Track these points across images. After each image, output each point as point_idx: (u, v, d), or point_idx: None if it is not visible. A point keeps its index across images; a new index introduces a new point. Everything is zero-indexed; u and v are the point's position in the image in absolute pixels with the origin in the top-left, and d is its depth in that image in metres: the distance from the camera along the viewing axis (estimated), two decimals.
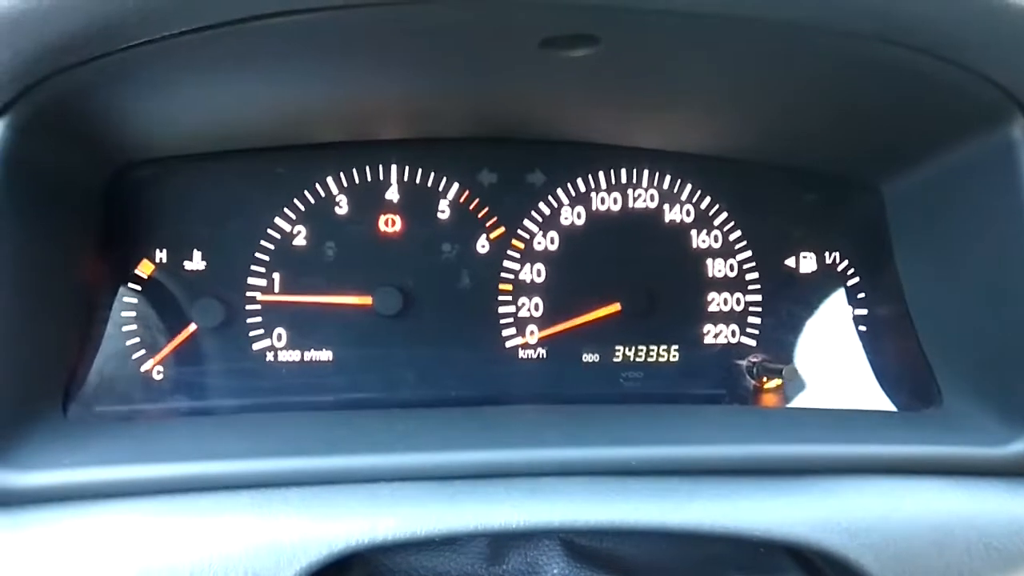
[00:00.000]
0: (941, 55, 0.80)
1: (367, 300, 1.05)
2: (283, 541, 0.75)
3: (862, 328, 1.11)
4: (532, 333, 1.09)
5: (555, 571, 0.87)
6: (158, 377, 1.03)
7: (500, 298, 1.09)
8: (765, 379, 1.06)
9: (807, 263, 1.13)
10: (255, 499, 0.79)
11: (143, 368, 1.03)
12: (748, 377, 1.07)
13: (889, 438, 0.89)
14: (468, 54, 0.77)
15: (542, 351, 1.09)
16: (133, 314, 1.03)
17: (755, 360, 1.08)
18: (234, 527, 0.77)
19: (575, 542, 0.90)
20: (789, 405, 1.07)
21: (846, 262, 1.13)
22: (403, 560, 0.86)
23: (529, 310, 1.10)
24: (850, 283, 1.12)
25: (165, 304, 1.04)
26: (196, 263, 1.05)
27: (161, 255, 1.04)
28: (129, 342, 1.03)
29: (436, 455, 0.83)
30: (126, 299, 1.03)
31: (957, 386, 0.97)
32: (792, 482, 0.85)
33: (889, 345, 1.08)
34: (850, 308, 1.11)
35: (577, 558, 0.89)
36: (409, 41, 0.73)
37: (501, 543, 0.89)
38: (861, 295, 1.12)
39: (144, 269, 1.04)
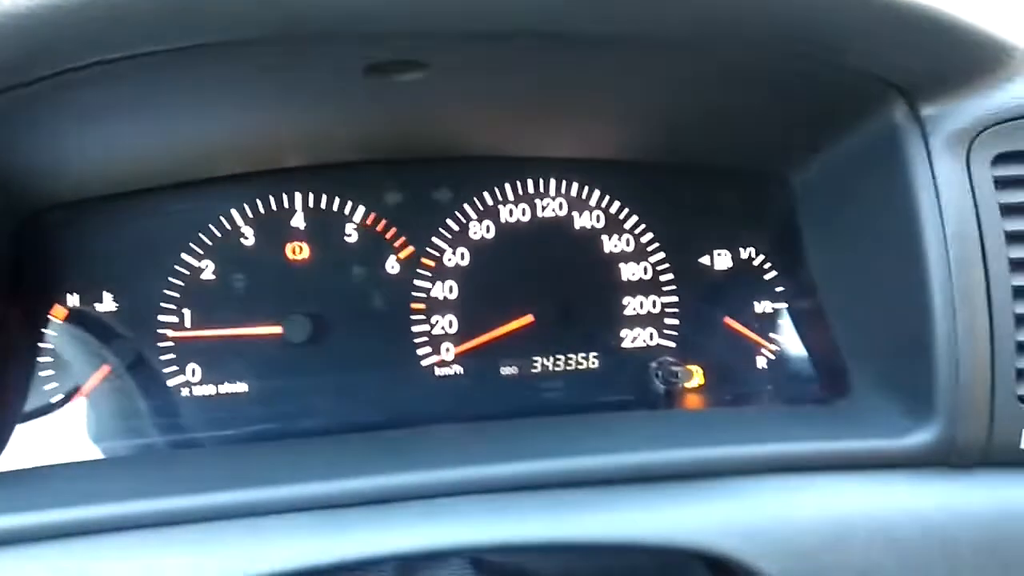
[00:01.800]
0: (821, 57, 0.80)
1: (277, 330, 1.06)
2: None
3: (779, 322, 1.10)
4: (448, 350, 1.09)
5: None
6: (78, 418, 1.04)
7: (413, 317, 1.09)
8: (678, 382, 1.05)
9: (722, 260, 1.11)
10: (143, 539, 0.79)
11: (63, 410, 1.04)
12: (661, 380, 1.06)
13: (791, 435, 0.88)
14: (301, 87, 0.77)
15: (459, 368, 1.09)
16: (48, 359, 1.04)
17: (666, 363, 1.07)
18: (120, 570, 0.77)
19: (484, 560, 0.90)
20: (701, 406, 1.06)
21: (762, 257, 1.11)
22: None
23: (443, 327, 1.09)
24: (767, 277, 1.11)
25: (79, 347, 1.05)
26: (107, 304, 1.06)
27: (73, 299, 1.05)
28: (45, 387, 1.04)
29: (329, 483, 0.83)
30: (40, 344, 1.04)
31: (866, 378, 0.96)
32: (691, 487, 0.85)
33: (804, 339, 1.07)
34: (767, 303, 1.10)
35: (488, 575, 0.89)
36: (247, 77, 0.73)
37: (408, 567, 0.89)
38: (778, 289, 1.11)
39: (57, 314, 1.05)
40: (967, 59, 0.81)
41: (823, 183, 1.02)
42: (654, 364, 1.07)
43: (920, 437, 0.84)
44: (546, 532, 0.81)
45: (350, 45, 0.65)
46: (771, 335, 1.09)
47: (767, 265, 1.11)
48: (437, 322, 1.09)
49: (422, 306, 1.09)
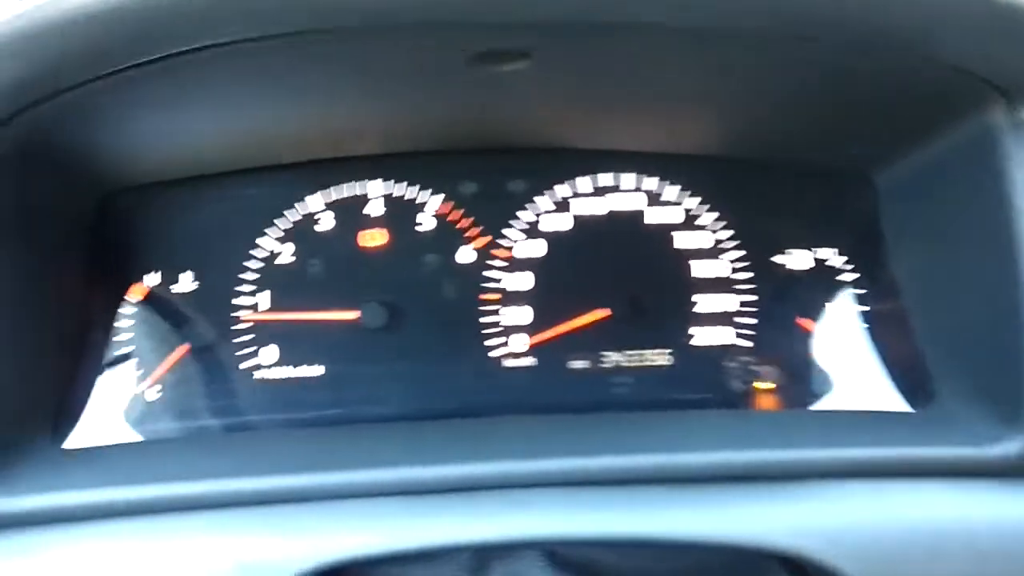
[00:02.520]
0: (919, 54, 0.77)
1: (354, 315, 1.06)
2: (256, 560, 0.77)
3: (859, 325, 1.07)
4: (518, 342, 1.09)
5: None
6: (152, 398, 1.06)
7: (484, 308, 1.08)
8: (753, 382, 1.03)
9: (802, 260, 1.09)
10: (218, 520, 0.80)
11: (138, 389, 1.05)
12: (736, 380, 1.04)
13: (877, 440, 0.86)
14: (403, 75, 0.77)
15: (529, 360, 1.09)
16: (128, 336, 1.06)
17: (742, 362, 1.05)
18: (207, 547, 0.78)
19: (559, 552, 0.89)
20: (780, 408, 1.04)
21: (843, 258, 1.09)
22: (383, 574, 0.87)
23: (514, 319, 1.09)
24: (847, 279, 1.08)
25: (157, 326, 1.07)
26: (185, 285, 1.07)
27: (151, 279, 1.07)
28: (124, 365, 1.05)
29: (404, 469, 0.83)
30: (119, 323, 1.06)
31: (952, 384, 0.93)
32: (774, 488, 0.83)
33: (886, 342, 1.04)
34: (847, 305, 1.08)
35: (561, 568, 0.88)
36: (339, 67, 0.73)
37: (484, 555, 0.89)
38: (859, 291, 1.08)
39: (136, 293, 1.07)
40: None
41: (911, 184, 0.99)
42: (732, 363, 1.05)
43: (1010, 446, 0.82)
44: (628, 528, 0.80)
45: (455, 35, 0.64)
46: (851, 338, 1.07)
47: (848, 266, 1.09)
48: (508, 313, 1.09)
49: (494, 296, 1.09)
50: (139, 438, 1.01)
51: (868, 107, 0.93)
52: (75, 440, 0.97)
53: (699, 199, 1.10)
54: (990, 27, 0.74)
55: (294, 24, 0.67)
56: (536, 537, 0.82)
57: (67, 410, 0.98)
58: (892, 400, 1.00)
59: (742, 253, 1.09)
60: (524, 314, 1.09)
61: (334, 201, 1.09)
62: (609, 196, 1.10)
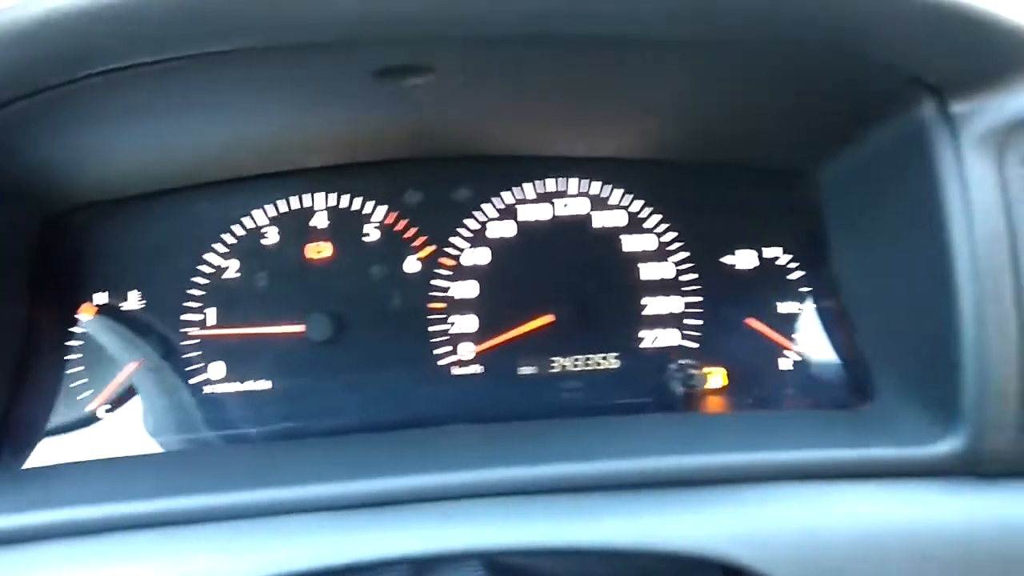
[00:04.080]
0: (847, 53, 0.78)
1: (299, 328, 1.07)
2: None
3: (804, 324, 1.07)
4: (466, 350, 1.09)
5: None
6: (103, 416, 1.06)
7: (432, 317, 1.09)
8: (699, 384, 1.03)
9: (747, 260, 1.09)
10: (161, 538, 0.81)
11: (89, 408, 1.06)
12: (682, 382, 1.04)
13: (812, 441, 0.86)
14: (315, 91, 0.77)
15: (477, 368, 1.09)
16: (78, 356, 1.07)
17: (688, 364, 1.05)
18: (150, 567, 0.79)
19: (499, 561, 0.90)
20: (725, 409, 1.04)
21: (788, 256, 1.09)
22: None
23: (462, 327, 1.09)
24: (793, 278, 1.09)
25: (106, 345, 1.07)
26: (134, 303, 1.08)
27: (100, 298, 1.08)
28: (73, 384, 1.06)
29: (344, 484, 0.84)
30: (70, 343, 1.07)
31: (891, 383, 0.93)
32: (707, 493, 0.83)
33: (829, 342, 1.04)
34: (793, 304, 1.08)
35: None
36: (262, 82, 0.74)
37: (423, 568, 0.90)
38: (804, 290, 1.08)
39: (86, 312, 1.08)
40: (1000, 56, 0.77)
41: (850, 181, 0.99)
42: (673, 366, 1.06)
43: (947, 445, 0.81)
44: (558, 536, 0.81)
45: (355, 51, 0.65)
46: (796, 337, 1.07)
47: (793, 265, 1.09)
48: (456, 322, 1.09)
49: (441, 305, 1.09)
50: (89, 457, 1.01)
51: (804, 106, 0.93)
52: (22, 460, 0.98)
53: (643, 202, 1.10)
54: (916, 27, 0.74)
55: (203, 45, 0.67)
56: (473, 549, 0.82)
57: (14, 431, 0.99)
58: (836, 400, 1.01)
59: (687, 254, 1.10)
60: (472, 322, 1.09)
61: (279, 215, 1.09)
62: (554, 201, 1.11)
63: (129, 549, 0.79)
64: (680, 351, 1.08)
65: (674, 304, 1.09)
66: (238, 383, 1.07)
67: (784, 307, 1.08)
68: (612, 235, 1.10)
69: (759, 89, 0.89)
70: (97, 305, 1.08)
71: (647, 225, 1.10)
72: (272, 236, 1.09)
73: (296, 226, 1.09)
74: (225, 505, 0.82)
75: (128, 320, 1.08)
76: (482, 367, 1.09)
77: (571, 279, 1.09)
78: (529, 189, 1.11)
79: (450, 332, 1.09)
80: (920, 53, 0.78)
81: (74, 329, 1.07)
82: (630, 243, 1.10)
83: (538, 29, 0.62)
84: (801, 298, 1.08)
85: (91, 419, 1.06)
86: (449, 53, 0.67)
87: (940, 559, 0.79)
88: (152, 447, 1.06)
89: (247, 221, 1.09)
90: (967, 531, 0.79)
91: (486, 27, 0.61)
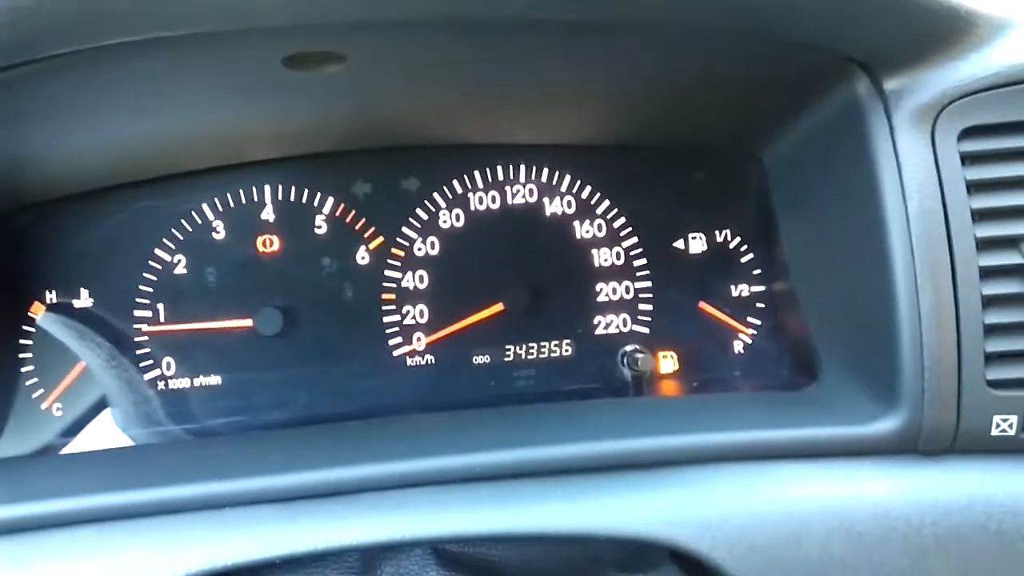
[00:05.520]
0: (775, 33, 0.77)
1: (248, 323, 1.06)
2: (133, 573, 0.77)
3: (755, 306, 1.07)
4: (419, 340, 1.09)
5: None
6: (56, 414, 1.06)
7: (384, 308, 1.09)
8: (636, 369, 1.03)
9: (697, 243, 1.09)
10: (102, 533, 0.81)
11: (42, 406, 1.06)
12: (633, 367, 1.04)
13: (755, 422, 0.86)
14: (232, 81, 0.77)
15: (430, 357, 1.09)
16: (28, 355, 1.07)
17: (638, 349, 1.05)
18: (77, 564, 0.79)
19: (447, 549, 0.90)
20: (676, 392, 1.04)
21: (737, 239, 1.09)
22: None
23: (414, 317, 1.09)
24: (743, 260, 1.08)
25: (58, 343, 1.07)
26: (84, 300, 1.07)
27: (51, 296, 1.07)
28: (27, 382, 1.06)
29: (286, 476, 0.83)
30: (21, 341, 1.07)
31: (835, 363, 0.93)
32: (649, 476, 0.83)
33: (778, 322, 1.04)
34: (743, 286, 1.08)
35: (450, 565, 0.89)
36: (182, 74, 0.73)
37: (371, 556, 0.90)
38: (755, 272, 1.08)
39: (36, 310, 1.07)
40: (927, 31, 0.77)
41: (793, 162, 0.99)
42: (629, 350, 1.05)
43: (886, 424, 0.82)
44: (498, 524, 0.81)
45: (262, 40, 0.64)
46: (747, 319, 1.07)
47: (743, 247, 1.08)
48: (408, 312, 1.09)
49: (392, 296, 1.09)
50: (40, 452, 1.01)
51: (744, 89, 0.92)
52: None
53: (592, 187, 1.10)
54: (837, 5, 0.73)
55: (108, 36, 0.66)
56: (415, 538, 0.82)
57: None
58: (784, 381, 1.01)
59: (637, 240, 1.09)
60: (424, 312, 1.09)
61: (227, 209, 1.09)
62: (503, 189, 1.10)
63: (62, 546, 0.79)
64: (632, 336, 1.08)
65: (625, 289, 1.09)
66: (189, 378, 1.07)
67: (735, 289, 1.08)
68: (562, 222, 1.10)
69: (699, 73, 0.89)
70: (47, 304, 1.07)
71: (597, 211, 1.10)
72: (220, 230, 1.09)
73: (245, 220, 1.09)
74: (162, 499, 0.82)
75: (79, 317, 1.07)
76: (435, 357, 1.09)
77: (522, 266, 1.09)
78: (478, 177, 1.10)
79: (403, 323, 1.09)
80: (843, 31, 0.78)
81: (26, 328, 1.07)
82: (580, 229, 1.10)
83: (434, 12, 0.61)
84: (752, 280, 1.08)
85: (43, 417, 1.06)
86: (357, 40, 0.67)
87: (877, 538, 0.79)
88: (104, 443, 1.06)
89: (195, 216, 1.08)
90: (905, 510, 0.79)
91: (385, 10, 0.60)
